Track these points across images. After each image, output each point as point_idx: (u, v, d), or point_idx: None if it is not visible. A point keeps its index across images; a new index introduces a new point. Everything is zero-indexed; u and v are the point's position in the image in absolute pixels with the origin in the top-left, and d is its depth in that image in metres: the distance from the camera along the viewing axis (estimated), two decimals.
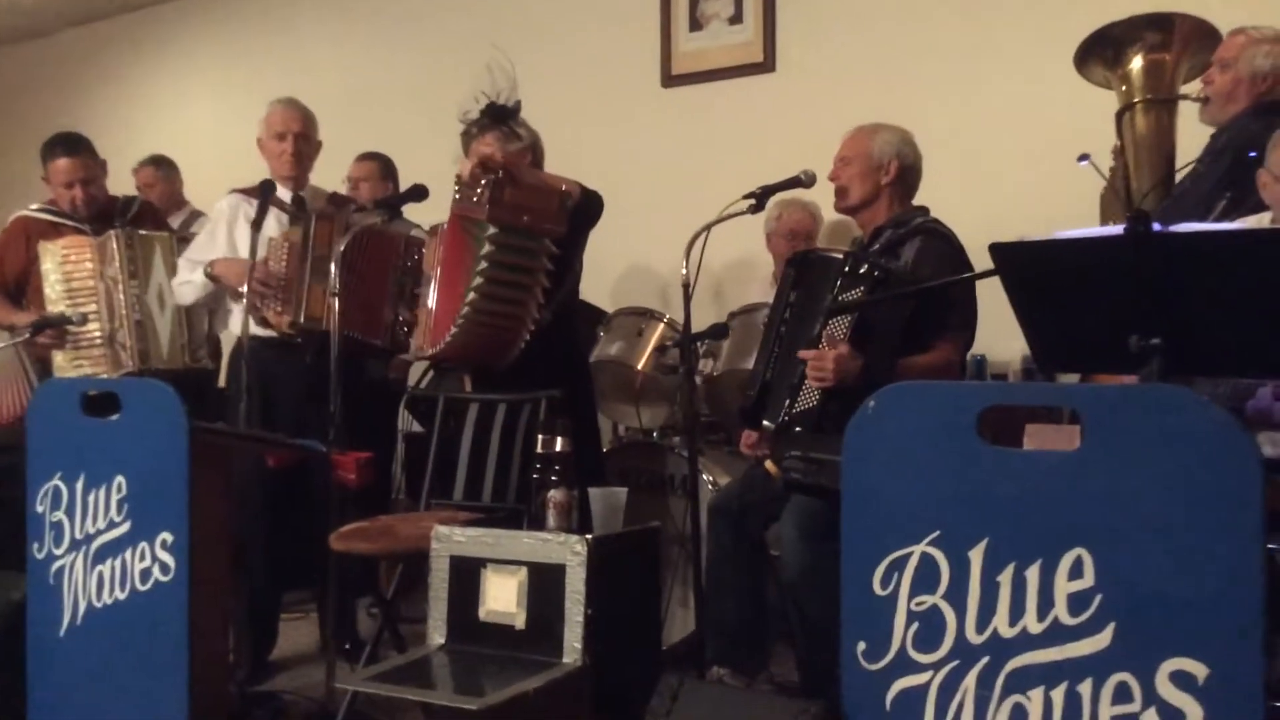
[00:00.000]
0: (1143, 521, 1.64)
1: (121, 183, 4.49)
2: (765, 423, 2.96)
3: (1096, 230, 2.01)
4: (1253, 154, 2.36)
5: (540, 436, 2.35)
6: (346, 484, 2.94)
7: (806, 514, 2.76)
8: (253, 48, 6.25)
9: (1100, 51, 3.33)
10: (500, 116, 3.20)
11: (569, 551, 2.20)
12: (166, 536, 2.51)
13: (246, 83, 5.99)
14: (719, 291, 4.65)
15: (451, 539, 2.34)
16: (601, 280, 4.72)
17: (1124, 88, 3.35)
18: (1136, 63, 3.29)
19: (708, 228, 2.95)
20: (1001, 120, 4.05)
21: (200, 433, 2.55)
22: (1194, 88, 3.26)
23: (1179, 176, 3.28)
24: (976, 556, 1.78)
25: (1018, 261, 2.09)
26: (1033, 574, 1.73)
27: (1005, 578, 1.76)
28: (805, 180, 3.02)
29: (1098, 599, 1.67)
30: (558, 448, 2.33)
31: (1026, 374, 3.97)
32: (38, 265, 3.83)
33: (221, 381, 3.83)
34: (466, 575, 2.31)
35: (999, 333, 3.25)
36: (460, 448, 3.02)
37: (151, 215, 4.14)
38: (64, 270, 3.80)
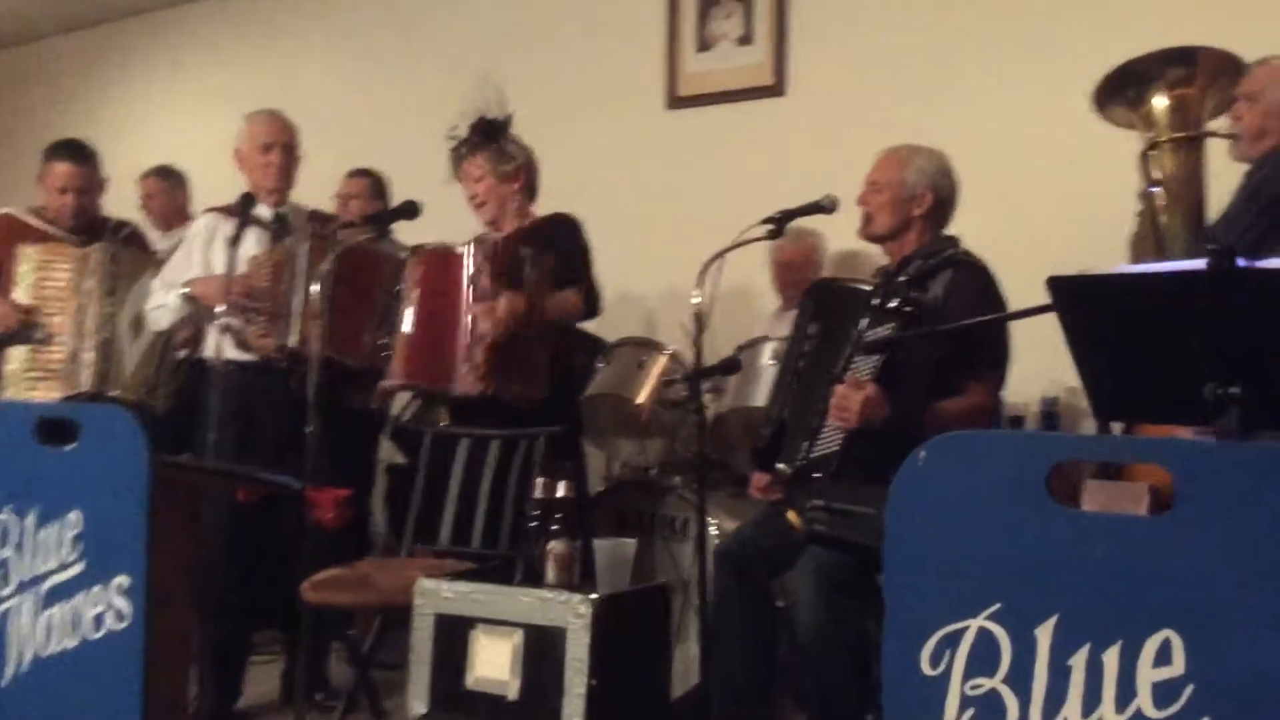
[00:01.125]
0: (1244, 600, 1.42)
1: (110, 194, 4.27)
2: (780, 466, 2.73)
3: (1172, 264, 1.80)
4: None
5: (540, 480, 2.12)
6: (323, 523, 2.70)
7: (824, 566, 2.53)
8: (242, 59, 6.05)
9: (1121, 91, 3.16)
10: (490, 134, 3.01)
11: (571, 613, 1.96)
12: (123, 580, 2.29)
13: (235, 94, 5.77)
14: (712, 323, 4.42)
15: (438, 594, 2.10)
16: None
17: (1148, 127, 3.17)
18: (1160, 100, 3.11)
19: (722, 254, 2.74)
20: (1024, 148, 3.86)
21: (164, 466, 2.32)
22: (1222, 124, 3.09)
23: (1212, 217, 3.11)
24: (1044, 634, 1.55)
25: (1079, 297, 1.87)
26: (1111, 657, 1.50)
27: (1078, 661, 1.53)
28: (827, 205, 2.82)
29: (1189, 689, 1.44)
30: (559, 493, 2.09)
31: (1046, 418, 3.77)
32: (10, 266, 3.61)
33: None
34: (454, 636, 2.07)
35: (1015, 373, 3.05)
36: (448, 488, 2.77)
37: (139, 243, 3.94)
38: (38, 275, 3.60)
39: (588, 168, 4.61)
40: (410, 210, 3.04)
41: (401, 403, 4.19)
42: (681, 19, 4.62)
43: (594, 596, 1.98)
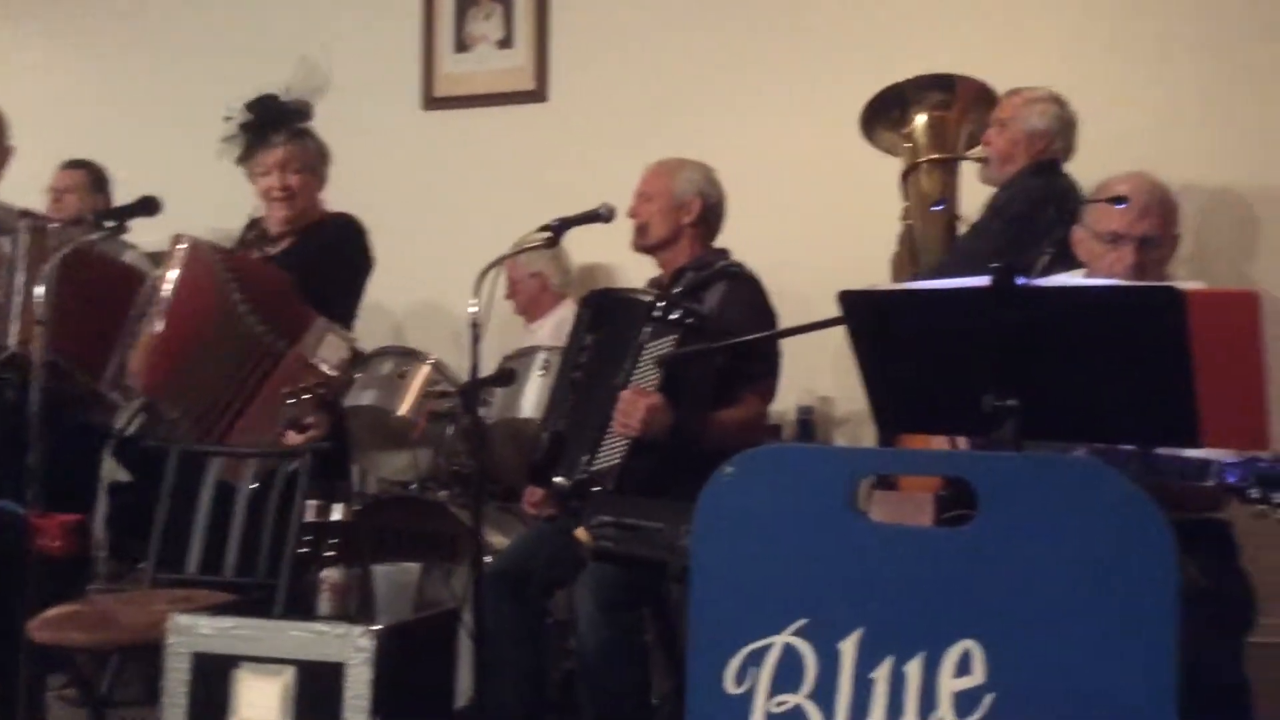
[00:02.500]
0: (1042, 609, 1.46)
1: None
2: (558, 479, 2.66)
3: (957, 281, 1.86)
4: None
5: (313, 502, 1.95)
6: (50, 552, 2.41)
7: (605, 583, 2.48)
8: None
9: (886, 112, 3.31)
10: (285, 119, 2.81)
11: (350, 646, 1.81)
12: None
13: None
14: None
15: (195, 631, 1.90)
16: None
17: (909, 148, 3.33)
18: (921, 122, 3.28)
19: (500, 261, 2.64)
20: (786, 163, 3.95)
21: None
22: (975, 150, 3.27)
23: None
24: (849, 648, 1.55)
25: (868, 311, 1.91)
26: (914, 669, 1.51)
27: (882, 673, 1.53)
28: (604, 214, 2.79)
29: (989, 699, 1.47)
30: (335, 516, 1.94)
31: (802, 426, 3.88)
32: None
33: None
34: (214, 677, 1.87)
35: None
36: (196, 510, 2.52)
37: None
38: None
39: (338, 166, 4.38)
40: (150, 206, 2.78)
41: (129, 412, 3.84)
42: (438, 17, 4.48)
43: (376, 628, 1.84)
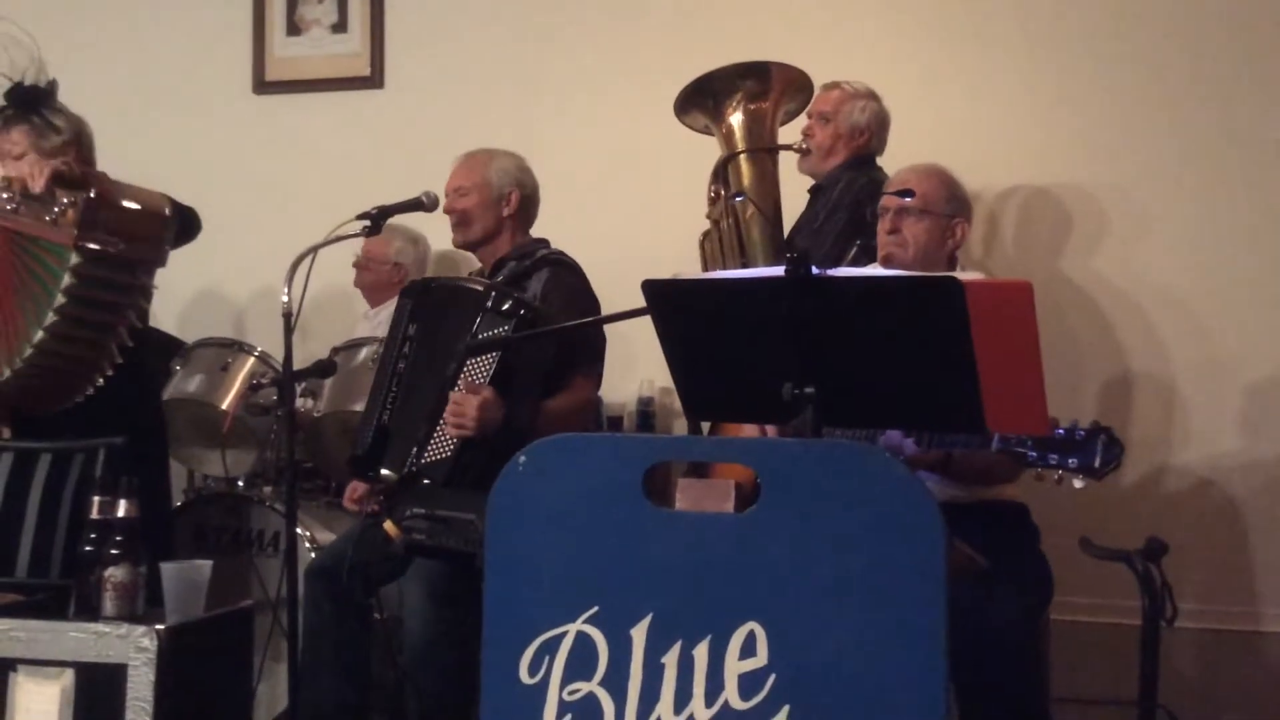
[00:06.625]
0: (819, 591, 1.49)
1: None
2: (386, 471, 2.60)
3: (755, 271, 1.88)
4: None
5: (97, 498, 1.87)
6: None
7: (434, 576, 2.46)
8: None
9: (700, 101, 3.32)
10: (30, 102, 2.65)
11: (132, 647, 1.75)
12: None
13: None
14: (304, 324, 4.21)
15: None
16: (169, 304, 4.08)
17: (727, 137, 3.35)
18: (737, 114, 3.29)
19: (314, 250, 2.58)
20: (617, 151, 3.95)
21: None
22: (789, 135, 3.32)
23: (788, 223, 3.33)
24: (639, 634, 1.56)
25: (671, 300, 1.92)
26: (701, 652, 1.54)
27: (671, 658, 1.55)
28: (427, 203, 2.75)
29: (771, 679, 1.50)
30: (120, 512, 1.86)
31: (642, 417, 3.90)
32: None
33: None
34: None
35: (615, 374, 3.14)
36: None
37: None
38: None
39: (166, 153, 4.22)
40: None
41: None
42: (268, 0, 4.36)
43: (159, 628, 1.79)
